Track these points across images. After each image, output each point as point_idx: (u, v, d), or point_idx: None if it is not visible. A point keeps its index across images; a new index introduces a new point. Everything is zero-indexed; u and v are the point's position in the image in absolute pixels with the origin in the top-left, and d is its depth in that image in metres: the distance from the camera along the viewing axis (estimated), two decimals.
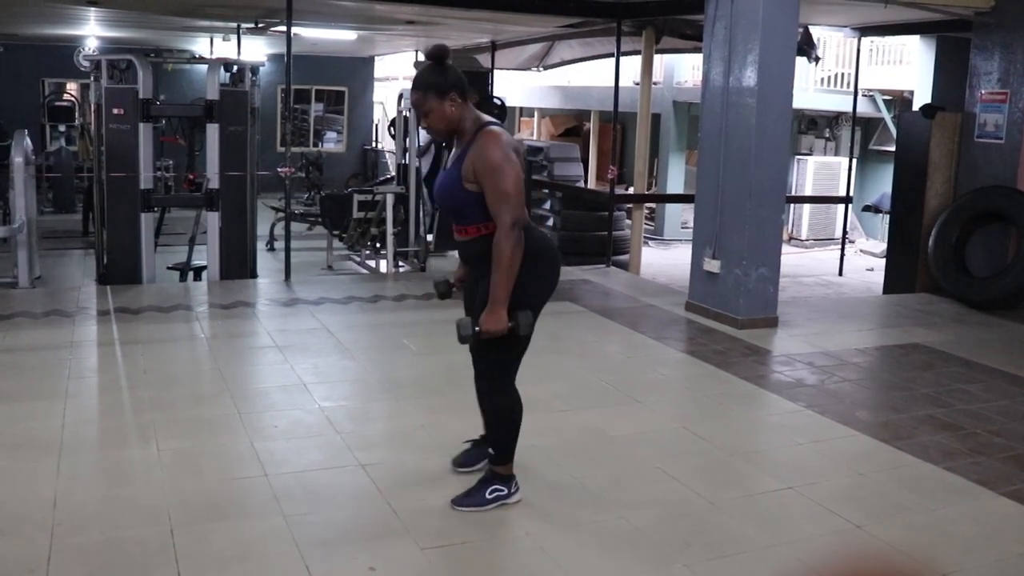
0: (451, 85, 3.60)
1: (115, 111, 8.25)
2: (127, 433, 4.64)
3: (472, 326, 3.56)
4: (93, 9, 11.58)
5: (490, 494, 3.84)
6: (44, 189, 15.33)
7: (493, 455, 3.87)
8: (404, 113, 10.78)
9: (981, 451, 4.71)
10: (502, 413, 3.81)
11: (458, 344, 3.62)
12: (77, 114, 17.97)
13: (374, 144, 21.28)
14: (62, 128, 17.64)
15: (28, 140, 8.79)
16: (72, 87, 18.91)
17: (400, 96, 11.55)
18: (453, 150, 3.74)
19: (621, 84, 10.38)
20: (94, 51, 16.97)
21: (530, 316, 3.60)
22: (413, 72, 14.61)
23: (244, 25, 13.16)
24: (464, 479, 4.02)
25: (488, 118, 3.69)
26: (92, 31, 15.49)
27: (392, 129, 12.61)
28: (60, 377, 5.44)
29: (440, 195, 3.72)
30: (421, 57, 15.90)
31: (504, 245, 3.48)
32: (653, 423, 5.04)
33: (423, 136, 11.53)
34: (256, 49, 16.65)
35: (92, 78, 8.55)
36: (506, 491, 3.85)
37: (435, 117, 3.62)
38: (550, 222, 13.33)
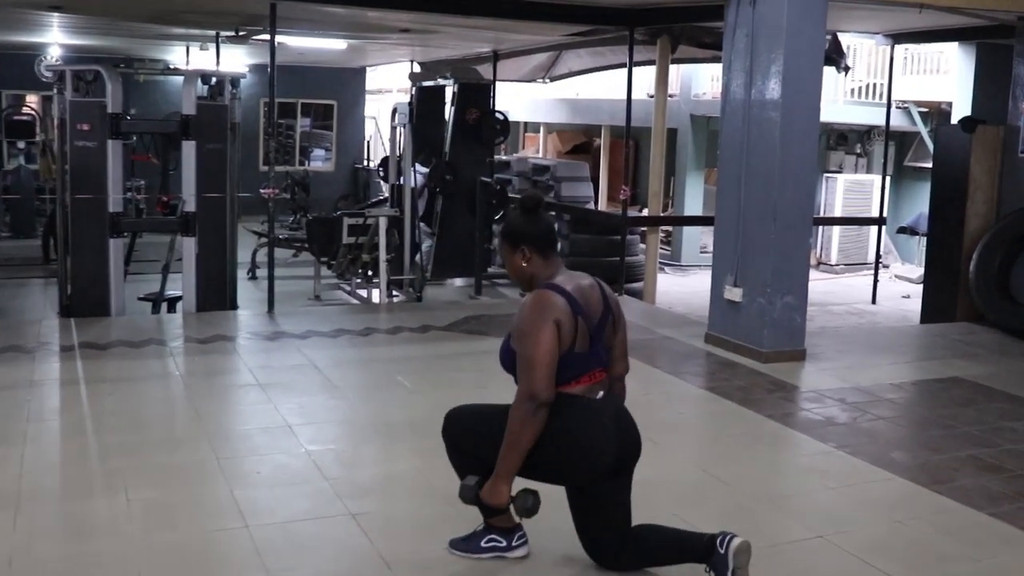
0: (523, 237, 3.70)
1: (81, 127, 8.30)
2: (92, 482, 4.64)
3: (475, 491, 3.61)
4: (56, 14, 11.67)
5: (486, 543, 3.86)
6: (1, 212, 15.39)
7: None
8: (399, 129, 10.88)
9: None
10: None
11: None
12: (38, 130, 18.05)
13: (366, 162, 21.39)
14: (21, 145, 17.69)
15: None
16: (32, 100, 19.00)
17: (394, 110, 11.64)
18: None
19: (634, 97, 10.45)
20: (57, 60, 17.07)
21: (530, 501, 3.60)
22: (408, 84, 14.73)
23: (224, 33, 13.26)
24: (467, 524, 4.02)
25: (564, 276, 3.69)
26: (55, 38, 15.59)
27: (382, 171, 12.74)
28: (18, 420, 5.44)
29: (501, 356, 3.75)
30: (417, 68, 16.10)
31: (513, 416, 3.49)
32: (671, 466, 5.04)
33: (416, 179, 11.64)
34: (236, 59, 16.76)
35: (55, 90, 8.62)
36: (505, 543, 3.85)
37: (508, 267, 3.78)
38: (558, 247, 13.38)
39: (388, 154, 12.13)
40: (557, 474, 3.67)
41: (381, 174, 13.21)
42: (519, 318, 3.58)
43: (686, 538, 3.68)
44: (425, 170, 12.49)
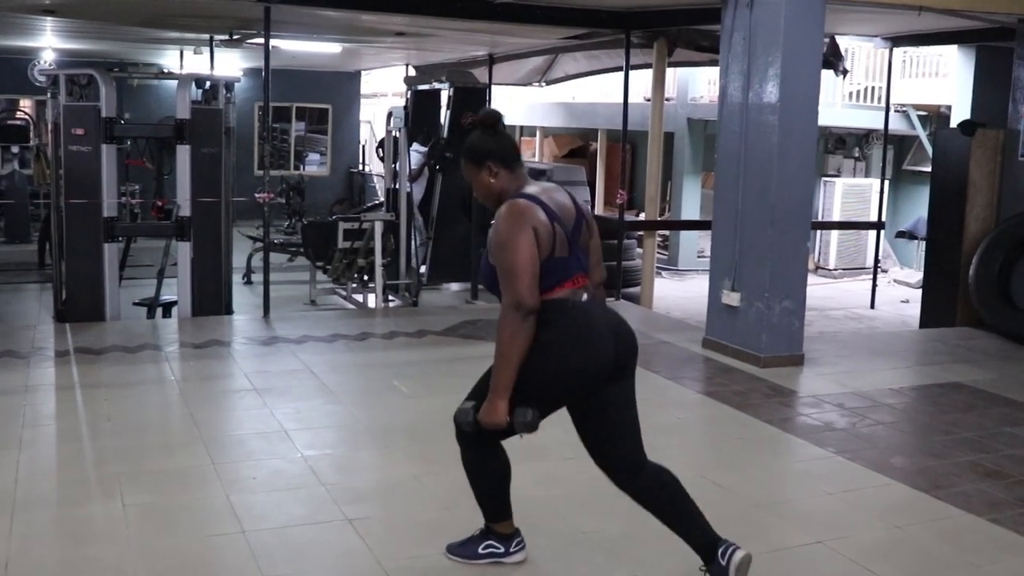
0: (487, 153, 3.67)
1: (75, 131, 8.31)
2: (89, 487, 4.65)
3: (472, 414, 3.57)
4: (50, 18, 11.67)
5: (483, 549, 3.87)
6: None
7: (482, 511, 3.89)
8: (394, 133, 10.88)
9: None
10: (472, 470, 3.81)
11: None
12: (32, 134, 18.04)
13: (361, 167, 21.39)
14: (15, 150, 17.67)
15: None
16: (26, 104, 19.00)
17: (389, 114, 11.66)
18: None
19: (631, 100, 10.46)
20: (51, 64, 17.07)
21: (529, 415, 3.49)
22: (403, 88, 14.76)
23: (218, 37, 13.26)
24: (464, 529, 4.03)
25: (533, 186, 3.67)
26: (48, 42, 15.59)
27: (380, 151, 12.72)
28: (13, 425, 5.45)
29: (481, 272, 3.72)
30: (412, 72, 16.12)
31: (501, 329, 3.46)
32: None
33: (415, 159, 11.64)
34: (231, 63, 16.78)
35: (49, 94, 8.64)
36: (503, 549, 3.86)
37: (476, 187, 3.73)
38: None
39: (383, 157, 12.11)
40: (562, 389, 3.58)
41: (379, 154, 13.16)
42: (494, 231, 3.52)
43: (699, 517, 3.68)
44: (424, 148, 12.46)
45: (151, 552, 3.92)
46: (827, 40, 10.00)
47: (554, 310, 3.50)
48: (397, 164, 11.32)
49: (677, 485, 3.72)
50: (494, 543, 3.86)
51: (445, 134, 12.65)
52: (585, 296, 3.62)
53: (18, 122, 18.13)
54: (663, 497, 3.73)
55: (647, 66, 11.47)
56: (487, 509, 3.85)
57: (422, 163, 12.38)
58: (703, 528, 3.65)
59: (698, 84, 17.54)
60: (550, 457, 5.04)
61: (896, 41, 11.34)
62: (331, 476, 4.79)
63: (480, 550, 3.87)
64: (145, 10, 10.43)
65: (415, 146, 12.02)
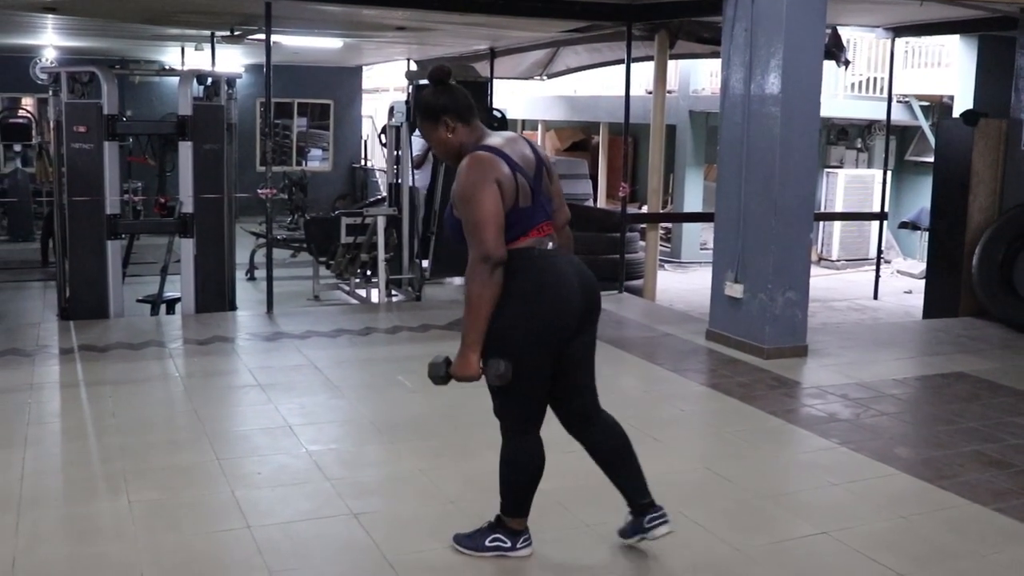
0: (442, 108, 3.68)
1: (77, 129, 8.32)
2: (95, 484, 4.66)
3: (444, 368, 3.60)
4: (51, 16, 11.69)
5: (490, 542, 3.88)
6: None
7: (501, 502, 3.90)
8: (396, 126, 10.87)
9: None
10: (506, 460, 3.83)
11: (459, 382, 3.65)
12: (34, 132, 18.08)
13: (363, 162, 21.39)
14: (17, 148, 17.72)
15: None
16: (28, 102, 19.03)
17: (391, 109, 11.65)
18: None
19: (632, 93, 10.46)
20: (52, 62, 17.09)
21: (502, 366, 3.52)
22: (405, 83, 14.75)
23: (219, 34, 13.28)
24: (471, 522, 4.04)
25: (493, 138, 3.70)
26: (50, 40, 15.60)
27: (384, 137, 12.69)
28: (19, 423, 5.46)
29: (447, 227, 3.77)
30: (413, 66, 16.11)
31: (470, 282, 3.52)
32: (673, 463, 5.06)
33: (417, 144, 11.62)
34: (232, 59, 16.78)
35: (51, 92, 8.64)
36: (509, 544, 3.87)
37: (433, 143, 3.76)
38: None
39: (387, 131, 12.05)
40: (535, 338, 3.58)
41: (383, 141, 13.14)
42: (458, 184, 3.55)
43: (641, 478, 3.90)
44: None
45: (157, 548, 3.93)
46: (829, 31, 9.98)
47: (521, 259, 3.57)
48: (400, 156, 11.31)
49: (626, 440, 3.92)
50: (502, 537, 3.87)
51: None
52: (551, 244, 3.68)
53: (20, 120, 18.18)
54: (612, 450, 3.92)
55: (649, 58, 11.45)
56: (508, 502, 3.86)
57: (425, 149, 12.34)
58: (642, 489, 3.88)
59: (700, 76, 17.51)
60: (555, 449, 5.04)
61: (898, 31, 11.33)
62: (336, 471, 4.80)
63: (487, 543, 3.88)
64: (146, 7, 10.45)
65: (417, 132, 11.98)
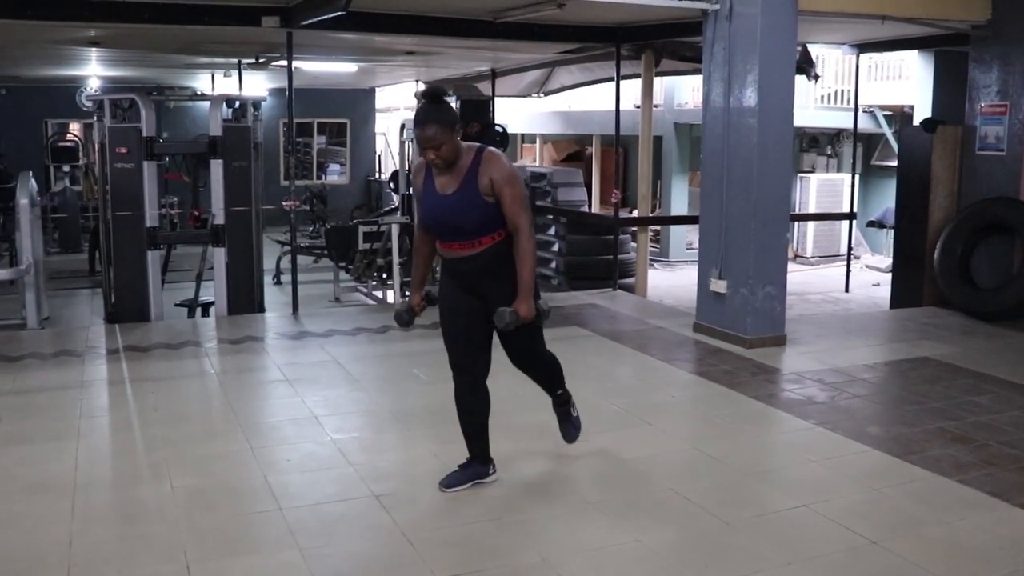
0: (456, 119, 4.00)
1: (119, 150, 8.33)
2: (140, 471, 4.67)
3: (510, 315, 4.00)
4: (95, 49, 11.71)
5: (575, 414, 4.68)
6: (50, 230, 15.43)
7: (561, 393, 4.61)
8: (407, 143, 10.87)
9: (994, 463, 4.72)
10: (552, 365, 4.51)
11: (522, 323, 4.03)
12: (81, 154, 18.10)
13: (377, 175, 21.38)
14: (66, 168, 17.78)
15: (33, 182, 8.87)
16: (75, 127, 19.05)
17: (402, 126, 11.65)
18: (441, 176, 4.06)
19: (622, 108, 10.45)
20: (96, 91, 17.10)
21: (546, 304, 4.19)
22: (415, 102, 14.72)
23: (245, 61, 13.29)
24: (481, 503, 4.03)
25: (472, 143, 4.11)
26: (94, 71, 15.63)
27: (392, 184, 12.73)
28: (71, 417, 5.48)
29: (456, 215, 4.02)
30: (422, 87, 16.09)
31: (530, 244, 4.01)
32: (665, 445, 5.06)
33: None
34: (257, 84, 16.79)
35: (95, 118, 8.65)
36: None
37: (447, 149, 3.96)
38: (555, 247, 13.37)
39: (397, 168, 12.08)
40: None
41: (392, 187, 13.18)
42: (501, 168, 3.97)
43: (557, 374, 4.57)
44: None
45: (198, 529, 3.93)
46: (800, 48, 9.97)
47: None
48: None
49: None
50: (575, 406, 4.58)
51: None
52: None
53: (68, 144, 18.23)
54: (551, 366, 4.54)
55: (636, 76, 11.44)
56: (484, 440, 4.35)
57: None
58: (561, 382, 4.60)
59: (683, 91, 17.48)
60: (556, 434, 5.05)
61: (862, 48, 11.31)
62: (358, 457, 4.80)
63: (575, 415, 4.63)
64: (180, 38, 10.44)
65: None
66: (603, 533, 3.91)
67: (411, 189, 4.45)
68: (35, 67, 14.92)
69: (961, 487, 4.41)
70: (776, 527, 3.98)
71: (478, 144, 4.07)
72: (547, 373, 4.53)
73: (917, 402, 5.81)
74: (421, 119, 3.94)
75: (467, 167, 4.01)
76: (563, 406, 4.66)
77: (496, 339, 4.27)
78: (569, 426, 4.66)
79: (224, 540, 3.84)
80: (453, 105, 4.09)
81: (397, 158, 12.51)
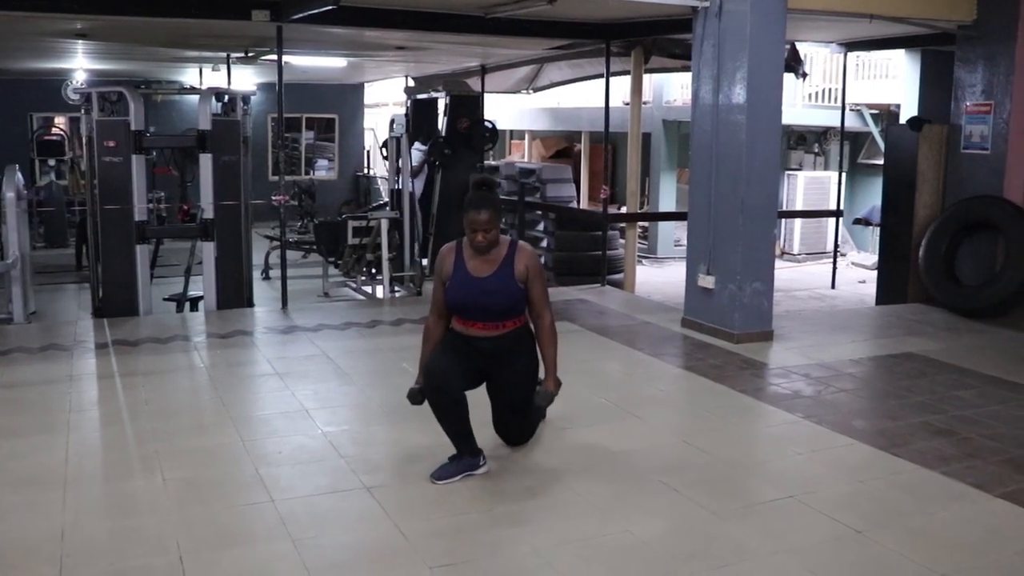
0: (502, 209, 4.47)
1: (108, 143, 8.31)
2: (131, 464, 4.68)
3: (550, 394, 4.46)
4: (81, 42, 11.67)
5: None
6: (35, 224, 15.37)
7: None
8: (396, 137, 10.88)
9: (976, 455, 4.79)
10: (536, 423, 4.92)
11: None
12: (67, 148, 18.01)
13: (366, 171, 21.37)
14: (52, 162, 17.68)
15: (19, 175, 8.84)
16: (61, 121, 18.96)
17: (392, 121, 11.67)
18: (475, 259, 4.41)
19: (611, 104, 10.50)
20: (82, 84, 17.04)
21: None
22: (404, 97, 14.72)
23: (234, 55, 13.26)
24: (471, 495, 4.07)
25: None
26: (80, 64, 15.56)
27: (384, 150, 12.72)
28: (61, 411, 5.48)
29: (490, 297, 4.35)
30: (411, 82, 16.10)
31: (553, 332, 4.47)
32: (654, 438, 5.11)
33: (416, 156, 11.64)
34: (246, 78, 16.76)
35: (83, 111, 8.62)
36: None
37: (495, 234, 4.37)
38: (544, 243, 13.41)
39: (388, 143, 12.05)
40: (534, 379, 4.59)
41: (383, 154, 13.13)
42: (535, 262, 4.43)
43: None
44: (424, 147, 12.45)
45: (190, 521, 3.96)
46: (788, 46, 10.04)
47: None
48: (400, 163, 11.34)
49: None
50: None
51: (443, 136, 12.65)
52: None
53: (54, 137, 18.13)
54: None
55: (625, 73, 11.49)
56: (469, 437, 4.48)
57: (422, 160, 12.37)
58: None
59: (672, 88, 17.56)
60: (546, 428, 5.11)
61: (850, 46, 11.39)
62: (349, 449, 4.83)
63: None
64: (168, 31, 10.42)
65: (416, 144, 12.00)
66: (593, 524, 3.95)
67: (436, 273, 4.64)
68: (20, 60, 14.86)
69: (945, 479, 4.47)
70: (763, 518, 4.04)
71: (509, 237, 4.47)
72: (527, 435, 4.89)
73: (902, 396, 5.88)
74: (477, 203, 4.27)
75: (504, 254, 4.39)
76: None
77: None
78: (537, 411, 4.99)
79: (216, 532, 3.87)
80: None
81: (385, 151, 12.52)
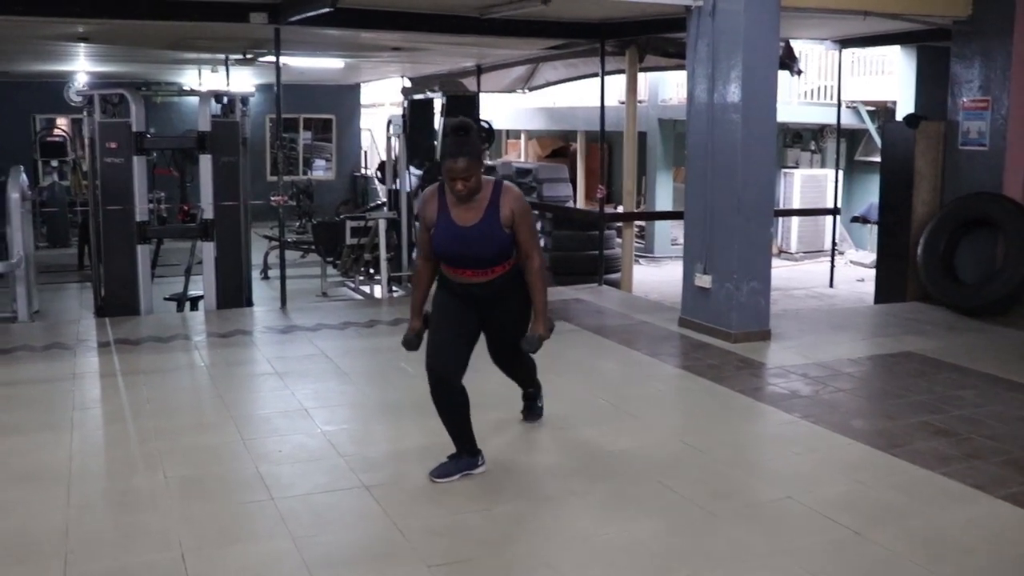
0: (482, 151, 4.26)
1: (109, 145, 8.31)
2: (134, 462, 4.69)
3: (537, 339, 4.35)
4: (83, 45, 11.67)
5: (541, 404, 5.17)
6: (39, 224, 15.36)
7: (532, 389, 5.09)
8: (394, 139, 10.87)
9: (976, 456, 4.77)
10: (532, 365, 4.90)
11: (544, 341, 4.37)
12: (69, 149, 18.01)
13: (363, 171, 21.36)
14: (54, 163, 17.68)
15: (24, 176, 8.84)
16: (63, 122, 18.95)
17: (389, 122, 11.68)
18: (459, 207, 4.24)
19: (607, 103, 10.49)
20: (84, 86, 17.02)
21: (552, 317, 4.49)
22: (400, 97, 14.71)
23: (232, 57, 13.26)
24: (470, 491, 4.07)
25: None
26: (82, 66, 15.57)
27: (380, 174, 12.76)
28: (64, 409, 5.49)
29: (477, 245, 4.23)
30: (407, 83, 16.09)
31: (543, 270, 4.36)
32: (651, 438, 5.10)
33: (412, 181, 11.61)
34: (244, 79, 16.75)
35: (85, 113, 8.62)
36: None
37: (476, 180, 4.17)
38: (541, 243, 13.40)
39: (384, 159, 12.11)
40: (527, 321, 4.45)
41: (379, 177, 13.19)
42: (521, 204, 4.27)
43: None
44: (420, 172, 12.46)
45: (192, 518, 3.96)
46: (783, 44, 10.03)
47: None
48: (397, 166, 11.34)
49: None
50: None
51: (439, 140, 12.62)
52: None
53: (56, 139, 18.14)
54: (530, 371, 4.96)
55: (621, 72, 11.48)
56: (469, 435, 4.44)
57: (418, 185, 12.40)
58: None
59: (667, 87, 17.55)
60: (544, 427, 5.11)
61: (845, 43, 11.38)
62: (348, 448, 4.83)
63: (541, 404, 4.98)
64: (169, 34, 10.43)
65: (412, 169, 12.01)
66: (591, 524, 3.95)
67: (416, 218, 4.46)
68: (23, 62, 14.87)
69: (944, 479, 4.45)
70: (761, 518, 4.03)
71: (493, 178, 4.29)
72: (525, 371, 4.91)
73: (900, 396, 5.87)
74: (453, 151, 4.07)
75: (488, 199, 4.22)
76: (531, 399, 5.15)
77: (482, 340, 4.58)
78: (531, 412, 5.15)
79: (217, 529, 3.87)
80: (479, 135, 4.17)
81: (383, 152, 12.53)
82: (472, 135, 4.12)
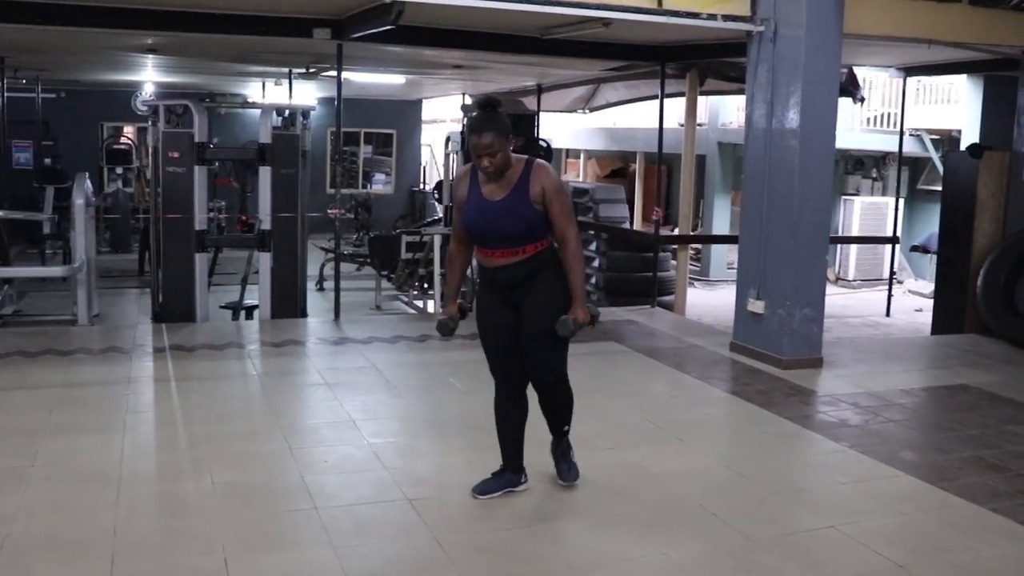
0: (510, 128, 4.06)
1: (172, 154, 8.49)
2: (182, 466, 4.79)
3: (572, 322, 4.09)
4: (151, 56, 11.97)
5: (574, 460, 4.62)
6: (101, 230, 15.76)
7: (566, 431, 4.55)
8: (452, 156, 10.96)
9: None
10: (569, 400, 4.48)
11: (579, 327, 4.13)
12: (134, 157, 18.46)
13: (422, 186, 21.56)
14: (119, 171, 18.15)
15: (88, 182, 9.08)
16: (129, 131, 19.44)
17: (447, 139, 11.78)
18: (489, 184, 4.14)
19: (666, 126, 10.48)
20: (151, 96, 17.44)
21: (596, 304, 4.33)
22: (461, 115, 14.86)
23: (296, 70, 13.50)
24: (512, 509, 4.09)
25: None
26: (149, 77, 15.97)
27: (437, 193, 12.85)
28: (118, 411, 5.63)
29: (505, 221, 4.10)
30: (468, 100, 16.24)
31: (579, 253, 4.14)
32: (696, 461, 5.09)
33: None
34: (307, 93, 17.02)
35: (150, 122, 8.83)
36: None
37: (502, 157, 4.05)
38: (596, 263, 13.40)
39: (442, 178, 12.25)
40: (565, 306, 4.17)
41: (436, 196, 13.33)
42: (551, 180, 4.10)
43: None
44: None
45: (236, 524, 4.04)
46: (845, 70, 9.95)
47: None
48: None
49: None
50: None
51: None
52: None
53: (122, 147, 18.60)
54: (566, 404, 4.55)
55: (680, 94, 11.47)
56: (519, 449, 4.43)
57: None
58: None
59: (728, 110, 17.48)
60: (588, 447, 5.10)
61: (909, 71, 11.25)
62: (394, 461, 4.88)
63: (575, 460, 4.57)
64: (234, 47, 10.65)
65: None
66: (630, 545, 3.95)
67: (453, 198, 4.37)
68: (93, 72, 15.30)
69: (993, 516, 4.38)
70: (802, 547, 4.00)
71: (526, 156, 4.16)
72: (564, 400, 4.46)
73: (953, 429, 5.78)
74: (478, 127, 4.00)
75: (518, 175, 4.10)
76: (563, 448, 4.61)
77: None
78: (568, 467, 4.58)
79: (261, 535, 3.94)
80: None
81: (442, 169, 12.64)
82: (499, 111, 4.04)
